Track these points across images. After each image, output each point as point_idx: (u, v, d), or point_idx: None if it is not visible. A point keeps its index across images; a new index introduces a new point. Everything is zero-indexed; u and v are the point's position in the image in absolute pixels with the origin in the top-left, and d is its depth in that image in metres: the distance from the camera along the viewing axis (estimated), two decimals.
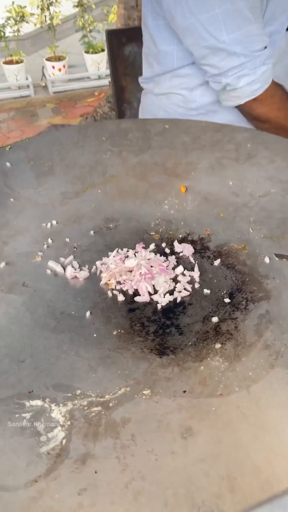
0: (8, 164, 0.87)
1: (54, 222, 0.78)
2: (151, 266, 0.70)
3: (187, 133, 0.95)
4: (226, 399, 0.55)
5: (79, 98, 4.01)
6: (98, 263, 0.71)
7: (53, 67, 3.94)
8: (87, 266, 0.71)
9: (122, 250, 0.72)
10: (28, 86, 3.89)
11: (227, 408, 0.54)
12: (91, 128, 0.96)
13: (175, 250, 0.74)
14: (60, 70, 3.97)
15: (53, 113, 3.77)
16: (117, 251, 0.72)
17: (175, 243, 0.74)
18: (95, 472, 0.48)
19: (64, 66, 3.96)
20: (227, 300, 0.66)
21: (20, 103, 3.88)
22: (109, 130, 0.95)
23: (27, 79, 3.90)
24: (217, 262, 0.72)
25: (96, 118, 2.72)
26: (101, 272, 0.70)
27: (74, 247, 0.74)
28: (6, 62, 3.86)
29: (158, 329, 0.63)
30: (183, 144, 0.93)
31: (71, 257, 0.72)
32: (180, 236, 0.76)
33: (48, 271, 0.70)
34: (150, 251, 0.72)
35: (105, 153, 0.91)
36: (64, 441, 0.51)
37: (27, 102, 3.90)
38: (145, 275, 0.69)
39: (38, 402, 0.54)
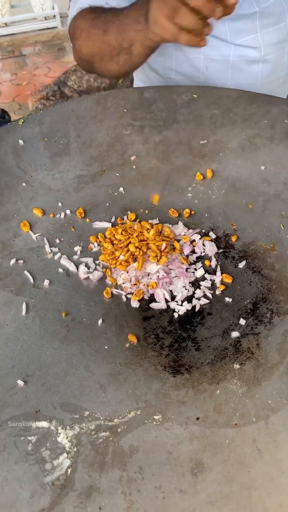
0: (21, 141, 0.81)
1: (68, 211, 0.73)
2: (170, 269, 0.65)
3: (217, 105, 0.86)
4: (242, 431, 0.52)
5: None
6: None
7: None
8: (101, 265, 0.67)
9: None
10: (54, 16, 3.66)
11: (242, 441, 0.51)
12: (111, 97, 0.87)
13: (196, 249, 0.68)
14: None
15: None
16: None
17: (197, 240, 0.69)
18: (100, 509, 0.47)
19: None
20: (249, 311, 0.61)
21: (46, 36, 3.67)
22: (130, 100, 0.87)
23: (53, 8, 3.66)
24: (242, 265, 0.66)
25: None
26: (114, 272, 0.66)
27: (88, 247, 0.69)
28: None
29: (174, 343, 0.59)
30: (212, 118, 0.84)
31: (86, 259, 0.67)
32: (204, 231, 0.70)
33: (60, 270, 0.66)
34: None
35: (125, 128, 0.83)
36: (69, 471, 0.49)
37: (53, 34, 3.68)
38: (163, 280, 0.64)
39: (44, 424, 0.52)
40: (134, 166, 0.78)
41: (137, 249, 0.66)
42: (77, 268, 0.66)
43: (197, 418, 0.53)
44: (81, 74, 2.61)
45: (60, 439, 0.51)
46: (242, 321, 0.60)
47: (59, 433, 0.52)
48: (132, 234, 0.68)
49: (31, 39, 3.66)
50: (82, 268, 0.66)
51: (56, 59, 3.43)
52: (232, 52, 0.93)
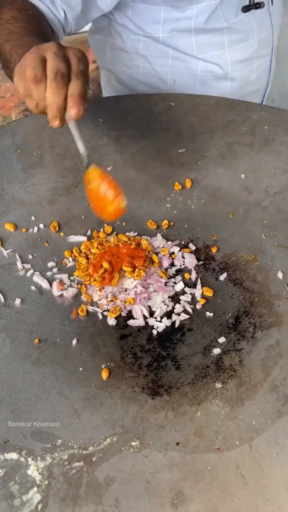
0: None
1: (41, 225, 0.69)
2: (148, 283, 0.62)
3: (195, 112, 0.83)
4: (225, 455, 0.48)
5: None
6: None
7: None
8: (76, 281, 0.64)
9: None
10: None
11: (225, 467, 0.48)
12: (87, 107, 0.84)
13: (175, 262, 0.65)
14: None
15: None
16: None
17: (177, 252, 0.66)
18: None
19: None
20: (231, 326, 0.58)
21: None
22: (107, 109, 0.84)
23: None
24: (223, 277, 0.63)
25: None
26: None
27: (63, 262, 0.66)
28: None
29: (152, 362, 0.56)
30: (190, 126, 0.81)
31: (61, 275, 0.64)
32: (183, 242, 0.67)
33: (33, 287, 0.63)
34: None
35: (101, 138, 0.80)
36: (40, 506, 0.46)
37: None
38: (141, 295, 0.61)
39: (13, 455, 0.49)
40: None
41: (112, 263, 0.63)
42: (51, 285, 0.63)
43: (177, 443, 0.49)
44: None
45: (30, 471, 0.48)
46: (222, 339, 0.57)
47: (29, 465, 0.48)
48: (108, 248, 0.65)
49: None
50: (56, 284, 0.63)
51: None
52: (199, 67, 0.91)
